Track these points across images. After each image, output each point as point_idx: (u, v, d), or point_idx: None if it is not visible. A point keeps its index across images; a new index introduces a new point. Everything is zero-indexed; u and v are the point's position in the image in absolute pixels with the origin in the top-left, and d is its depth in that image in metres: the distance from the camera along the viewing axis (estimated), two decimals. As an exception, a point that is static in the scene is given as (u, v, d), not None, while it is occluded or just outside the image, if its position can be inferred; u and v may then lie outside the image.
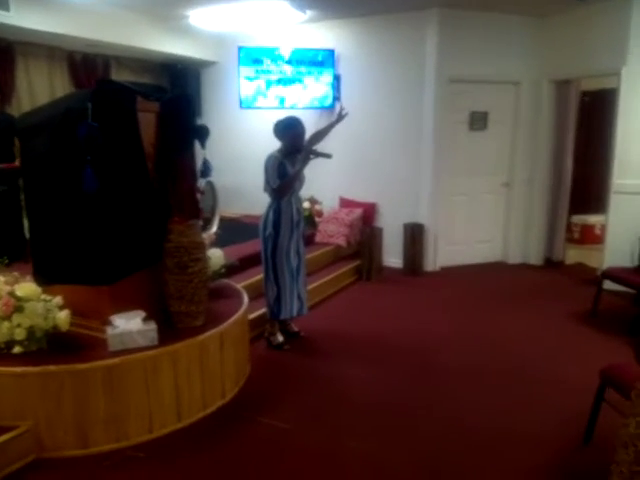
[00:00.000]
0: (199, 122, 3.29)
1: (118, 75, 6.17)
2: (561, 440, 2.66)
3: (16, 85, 5.28)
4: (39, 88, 5.51)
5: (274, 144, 3.74)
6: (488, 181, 6.04)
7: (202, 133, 3.16)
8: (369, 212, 6.05)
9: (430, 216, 5.80)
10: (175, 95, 3.04)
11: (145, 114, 2.91)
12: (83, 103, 2.57)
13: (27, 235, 4.57)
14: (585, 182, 6.76)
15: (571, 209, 6.27)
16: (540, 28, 5.70)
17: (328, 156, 3.63)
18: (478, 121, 5.86)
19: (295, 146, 3.62)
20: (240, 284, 3.94)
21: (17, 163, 4.74)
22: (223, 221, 5.61)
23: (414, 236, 5.71)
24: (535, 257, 6.13)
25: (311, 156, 3.61)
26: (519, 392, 3.17)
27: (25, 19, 4.53)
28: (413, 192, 5.83)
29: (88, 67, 5.88)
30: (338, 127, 4.06)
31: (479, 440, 2.68)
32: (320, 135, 3.97)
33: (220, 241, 4.22)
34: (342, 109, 3.99)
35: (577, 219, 6.92)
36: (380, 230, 5.83)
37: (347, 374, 3.41)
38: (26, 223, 4.54)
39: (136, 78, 6.31)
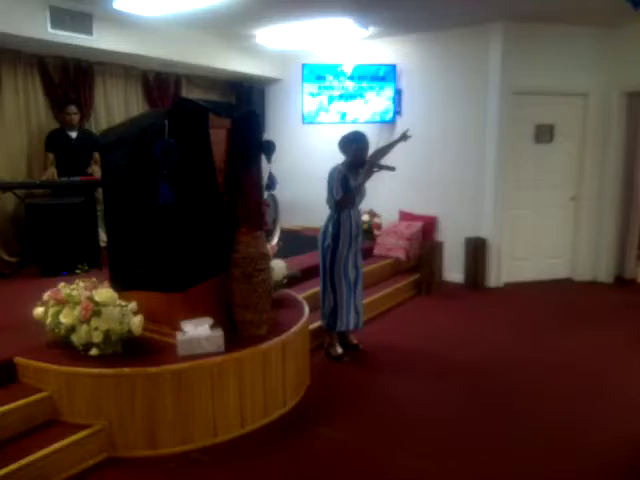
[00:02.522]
0: (265, 138, 3.37)
1: (188, 93, 6.46)
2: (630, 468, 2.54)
3: (94, 103, 5.64)
4: (115, 105, 5.86)
5: (334, 159, 3.80)
6: (555, 195, 5.85)
7: (268, 148, 3.27)
8: (429, 226, 6.00)
9: (493, 230, 5.68)
10: (244, 112, 3.16)
11: (216, 130, 3.04)
12: (160, 121, 2.73)
13: (101, 244, 4.90)
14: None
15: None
16: (609, 39, 5.51)
17: (392, 169, 3.64)
18: (544, 134, 5.71)
19: (359, 160, 3.68)
20: (300, 295, 4.00)
21: (94, 176, 5.07)
22: (284, 233, 5.73)
23: (476, 250, 5.61)
24: (605, 274, 5.86)
25: (374, 169, 3.64)
26: (581, 414, 3.04)
27: (105, 42, 4.85)
28: (476, 206, 5.74)
29: (160, 85, 6.21)
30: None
31: (541, 466, 2.59)
32: (382, 152, 4.01)
33: (281, 252, 4.32)
34: (407, 130, 4.02)
35: (650, 235, 6.55)
36: (440, 244, 5.77)
37: (406, 389, 3.39)
38: (101, 232, 4.86)
39: (205, 96, 6.60)
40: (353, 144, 3.67)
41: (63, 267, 4.28)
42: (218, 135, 3.07)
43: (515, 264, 5.84)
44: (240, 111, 3.17)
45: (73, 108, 5.19)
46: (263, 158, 3.33)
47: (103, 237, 5.17)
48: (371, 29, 5.62)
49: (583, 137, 5.77)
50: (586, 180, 5.81)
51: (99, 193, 5.15)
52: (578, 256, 5.96)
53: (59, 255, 4.49)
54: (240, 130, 3.09)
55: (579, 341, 4.22)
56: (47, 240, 4.52)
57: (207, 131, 2.96)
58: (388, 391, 3.37)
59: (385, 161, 3.82)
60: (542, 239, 5.88)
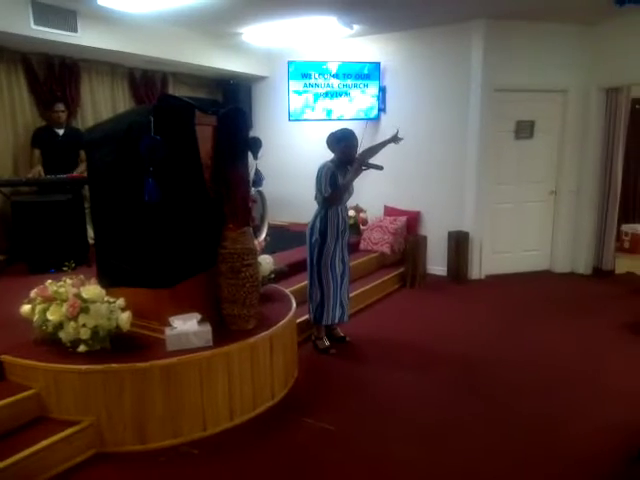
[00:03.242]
0: (252, 135, 3.41)
1: (175, 90, 6.46)
2: (614, 456, 2.61)
3: (81, 100, 5.62)
4: (102, 103, 5.85)
5: (320, 155, 3.85)
6: (535, 189, 5.98)
7: (255, 145, 3.30)
8: (413, 220, 6.09)
9: (475, 224, 5.79)
10: (230, 109, 3.18)
11: (202, 127, 3.06)
12: (145, 117, 2.74)
13: (90, 241, 4.89)
14: (636, 191, 6.58)
15: (621, 218, 6.10)
16: (588, 36, 5.62)
17: (379, 168, 3.69)
18: (524, 130, 5.81)
19: (347, 157, 3.71)
20: (288, 289, 4.05)
21: (81, 173, 5.06)
22: (271, 229, 5.77)
23: (458, 244, 5.70)
24: (583, 266, 6.01)
25: (363, 167, 3.69)
26: (565, 404, 3.13)
27: (90, 39, 4.83)
28: (458, 200, 5.84)
29: (147, 83, 6.20)
30: (384, 137, 4.15)
31: (522, 451, 2.67)
32: (372, 151, 4.07)
33: (269, 248, 4.36)
34: (397, 132, 4.08)
35: (628, 228, 6.68)
36: (424, 238, 5.86)
37: (392, 380, 3.47)
38: (89, 229, 4.86)
39: (192, 93, 6.60)
40: (342, 142, 3.70)
41: (51, 264, 4.28)
42: (204, 132, 3.09)
43: (496, 257, 5.96)
44: (226, 108, 3.20)
45: (60, 106, 5.17)
46: (250, 155, 3.36)
47: (91, 234, 5.18)
48: (355, 27, 5.67)
49: (562, 133, 5.89)
50: (565, 175, 5.94)
51: (87, 190, 5.15)
52: (557, 248, 6.10)
53: (46, 252, 4.48)
54: (226, 127, 3.12)
55: (560, 330, 4.35)
56: (34, 237, 4.50)
57: (193, 128, 2.98)
58: (374, 383, 3.43)
59: (373, 159, 3.88)
60: (522, 232, 6.01)
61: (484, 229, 5.83)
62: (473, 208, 5.77)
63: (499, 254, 5.98)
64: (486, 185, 5.74)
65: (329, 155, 3.80)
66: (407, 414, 3.04)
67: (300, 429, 2.88)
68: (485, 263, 5.91)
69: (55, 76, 5.30)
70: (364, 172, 3.74)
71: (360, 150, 3.95)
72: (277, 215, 6.63)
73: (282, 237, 5.74)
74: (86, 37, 4.78)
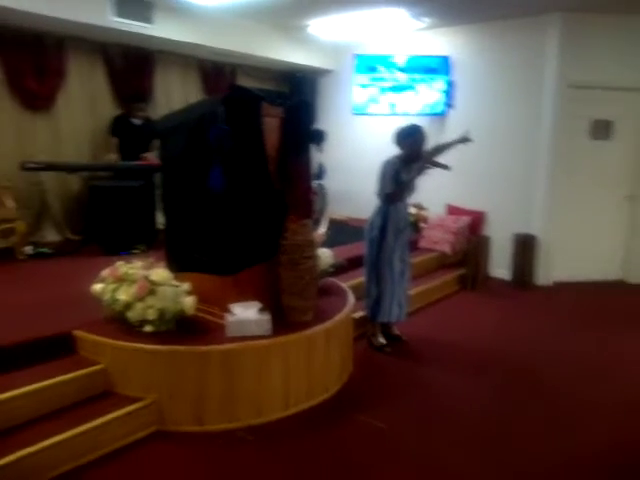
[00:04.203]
0: (316, 127, 3.41)
1: (242, 82, 6.55)
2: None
3: (154, 90, 5.83)
4: (174, 93, 6.06)
5: (383, 150, 3.78)
6: (610, 193, 5.65)
7: (319, 137, 3.32)
8: (477, 220, 5.92)
9: (543, 227, 5.56)
10: (297, 101, 3.22)
11: (269, 119, 3.10)
12: (215, 108, 2.81)
13: (158, 226, 5.09)
14: None
15: None
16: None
17: (446, 167, 3.60)
18: (600, 130, 5.51)
19: (413, 154, 3.63)
20: (345, 284, 4.04)
21: (149, 158, 5.26)
22: (330, 222, 5.78)
23: (525, 247, 5.50)
24: (661, 278, 5.65)
25: (429, 166, 3.61)
26: (629, 425, 2.95)
27: (165, 31, 5.02)
28: (526, 202, 5.62)
29: (217, 75, 6.38)
30: (450, 134, 4.04)
31: (581, 467, 2.56)
32: (439, 150, 3.91)
33: (328, 241, 4.37)
34: (467, 131, 3.95)
35: None
36: (488, 239, 5.69)
37: (446, 383, 3.40)
38: (158, 215, 5.05)
39: (259, 86, 6.69)
40: (409, 138, 3.62)
41: (122, 247, 4.49)
42: (271, 123, 3.13)
43: (565, 263, 5.68)
44: (293, 100, 3.22)
45: (142, 105, 5.44)
46: (314, 147, 3.38)
47: (160, 219, 5.39)
48: (425, 20, 5.56)
49: (644, 134, 5.54)
50: (644, 179, 5.59)
51: (157, 177, 5.36)
52: (633, 258, 5.75)
53: (118, 235, 4.71)
54: (292, 119, 3.15)
55: (628, 346, 4.09)
56: (108, 220, 4.74)
57: (260, 119, 3.03)
58: (428, 384, 3.38)
59: (439, 159, 3.79)
60: (594, 238, 5.70)
61: (553, 233, 5.58)
62: (542, 210, 5.54)
63: (568, 260, 5.69)
64: (557, 187, 5.50)
65: (392, 150, 3.72)
66: (460, 419, 2.96)
67: (352, 425, 2.87)
68: (553, 269, 5.66)
69: (131, 66, 5.55)
70: (428, 170, 3.67)
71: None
72: (336, 209, 6.63)
73: (341, 231, 5.73)
74: (161, 29, 4.97)
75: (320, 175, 3.51)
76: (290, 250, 3.08)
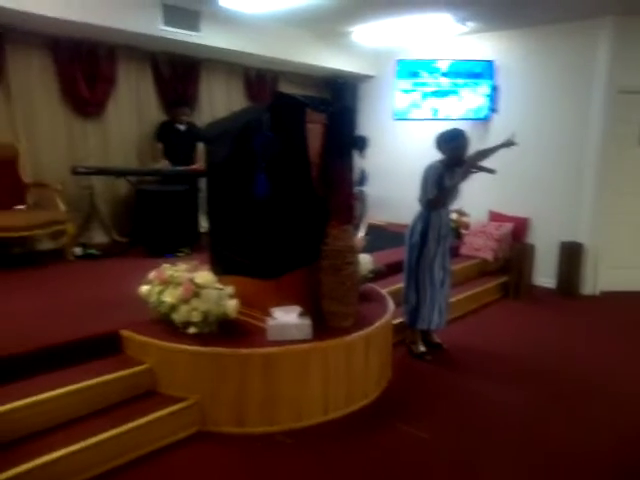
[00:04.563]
0: (359, 134, 3.42)
1: (284, 89, 6.63)
2: None
3: (199, 97, 5.96)
4: (217, 99, 6.18)
5: (423, 155, 3.74)
6: (662, 201, 5.45)
7: (362, 143, 3.32)
8: (520, 227, 5.79)
9: (591, 235, 5.39)
10: (340, 107, 3.23)
11: (313, 125, 3.12)
12: (261, 115, 2.86)
13: (200, 229, 5.20)
14: None
15: None
16: None
17: (492, 171, 3.53)
18: (653, 136, 5.32)
19: (456, 159, 3.57)
20: (384, 290, 4.01)
21: (197, 166, 5.39)
22: (369, 228, 5.77)
23: (571, 255, 5.35)
24: None
25: (473, 170, 3.56)
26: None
27: (211, 38, 5.12)
28: (572, 209, 5.47)
29: (260, 82, 6.47)
30: (494, 139, 3.96)
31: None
32: (483, 154, 3.87)
33: (367, 247, 4.35)
34: (513, 135, 3.88)
35: None
36: (532, 247, 5.56)
37: (488, 393, 3.32)
38: (201, 219, 5.16)
39: (300, 92, 6.74)
40: (452, 142, 3.56)
41: (166, 249, 4.59)
42: (314, 129, 3.15)
43: (613, 272, 5.49)
44: (336, 106, 3.24)
45: (187, 110, 5.55)
46: (356, 153, 3.38)
47: (203, 223, 5.51)
48: (469, 25, 5.49)
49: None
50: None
51: (201, 182, 5.49)
52: (686, 268, 5.51)
53: (163, 238, 4.82)
54: (336, 125, 3.16)
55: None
56: (154, 223, 4.87)
57: (304, 125, 3.05)
58: (470, 393, 3.32)
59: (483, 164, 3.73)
60: (643, 247, 5.50)
61: (601, 241, 5.41)
62: (589, 217, 5.38)
63: (617, 269, 5.49)
64: (605, 193, 5.33)
65: (432, 155, 3.67)
66: (501, 431, 2.90)
67: (392, 432, 2.84)
68: (600, 278, 5.48)
69: (178, 74, 5.69)
70: (472, 175, 3.61)
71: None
72: (375, 214, 6.61)
73: (380, 236, 5.71)
74: (208, 37, 5.07)
75: (362, 181, 3.50)
76: (331, 255, 3.09)
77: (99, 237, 5.41)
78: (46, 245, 4.94)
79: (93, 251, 4.92)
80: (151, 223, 4.88)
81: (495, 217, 5.99)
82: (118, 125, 5.40)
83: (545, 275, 5.63)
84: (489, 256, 5.53)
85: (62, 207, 4.70)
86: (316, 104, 3.21)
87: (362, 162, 3.42)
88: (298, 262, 3.16)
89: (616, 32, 5.07)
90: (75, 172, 4.77)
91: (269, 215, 2.98)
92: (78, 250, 4.86)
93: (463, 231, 5.96)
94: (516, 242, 5.64)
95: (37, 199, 4.86)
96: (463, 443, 2.77)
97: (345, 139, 3.23)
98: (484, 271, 5.56)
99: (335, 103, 3.53)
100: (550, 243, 5.53)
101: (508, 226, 5.72)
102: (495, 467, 2.57)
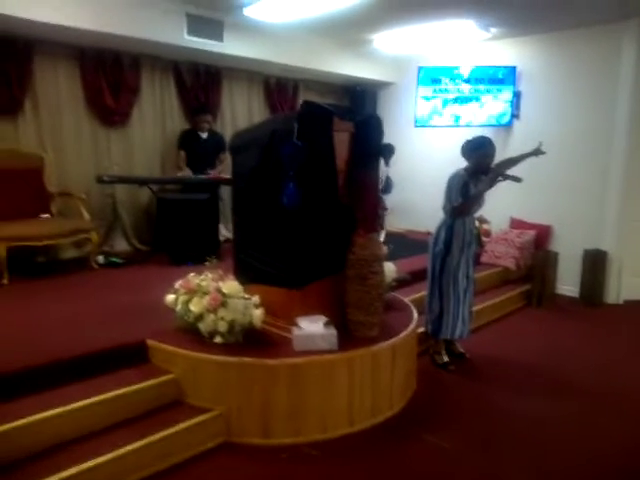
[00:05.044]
0: (386, 142, 3.40)
1: (304, 97, 6.66)
2: None
3: (221, 105, 6.01)
4: (238, 107, 6.23)
5: (444, 162, 3.73)
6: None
7: (389, 151, 3.30)
8: (543, 235, 5.72)
9: (616, 243, 5.31)
10: (367, 116, 3.23)
11: (339, 133, 3.12)
12: (287, 125, 2.86)
13: (220, 238, 5.21)
14: None
15: None
16: None
17: (518, 180, 3.49)
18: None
19: (482, 167, 3.54)
20: (406, 298, 3.98)
21: (219, 175, 5.41)
22: (389, 236, 5.74)
23: (595, 264, 5.27)
24: None
25: (499, 179, 3.53)
26: None
27: (234, 48, 5.16)
28: (596, 216, 5.39)
29: (280, 90, 6.50)
30: (516, 145, 3.90)
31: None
32: (511, 162, 3.82)
33: (390, 255, 4.33)
34: (540, 144, 3.83)
35: None
36: (555, 254, 5.49)
37: (511, 405, 3.27)
38: (221, 227, 5.18)
39: (320, 100, 6.77)
40: (478, 150, 3.53)
41: (188, 257, 4.60)
42: (340, 138, 3.14)
43: (637, 280, 5.40)
44: (363, 115, 3.24)
45: (208, 117, 5.59)
46: (381, 161, 3.37)
47: (222, 232, 5.52)
48: (492, 31, 5.46)
49: None
50: None
51: (222, 191, 5.51)
52: None
53: (185, 246, 4.84)
54: (363, 133, 3.15)
55: None
56: (175, 231, 4.89)
57: (331, 134, 3.05)
58: (495, 404, 3.27)
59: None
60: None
61: (626, 249, 5.32)
62: (614, 225, 5.30)
63: (640, 278, 5.43)
64: (630, 201, 5.25)
65: (452, 163, 3.65)
66: (525, 445, 2.83)
67: (417, 444, 2.81)
68: (625, 287, 5.39)
69: (200, 83, 5.74)
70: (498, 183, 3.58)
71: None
72: (395, 222, 6.59)
73: (401, 244, 5.68)
74: (230, 46, 5.11)
75: (387, 189, 3.49)
76: (357, 265, 3.07)
77: (120, 245, 5.45)
78: (70, 253, 4.98)
79: (116, 259, 4.96)
80: (172, 231, 4.91)
81: (516, 224, 5.93)
82: (141, 134, 5.46)
83: (568, 284, 5.55)
84: (511, 264, 5.47)
85: (86, 216, 4.75)
86: (343, 112, 3.20)
87: (388, 170, 3.40)
88: (324, 271, 3.15)
89: (642, 36, 5.00)
90: (99, 181, 4.81)
91: (296, 224, 2.98)
92: (101, 258, 4.90)
93: (484, 239, 5.90)
94: (538, 250, 5.57)
95: (61, 208, 4.92)
96: (488, 454, 2.74)
97: (372, 147, 3.22)
98: (506, 279, 5.50)
99: (362, 111, 3.52)
100: (573, 251, 5.45)
101: (530, 233, 5.66)
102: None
